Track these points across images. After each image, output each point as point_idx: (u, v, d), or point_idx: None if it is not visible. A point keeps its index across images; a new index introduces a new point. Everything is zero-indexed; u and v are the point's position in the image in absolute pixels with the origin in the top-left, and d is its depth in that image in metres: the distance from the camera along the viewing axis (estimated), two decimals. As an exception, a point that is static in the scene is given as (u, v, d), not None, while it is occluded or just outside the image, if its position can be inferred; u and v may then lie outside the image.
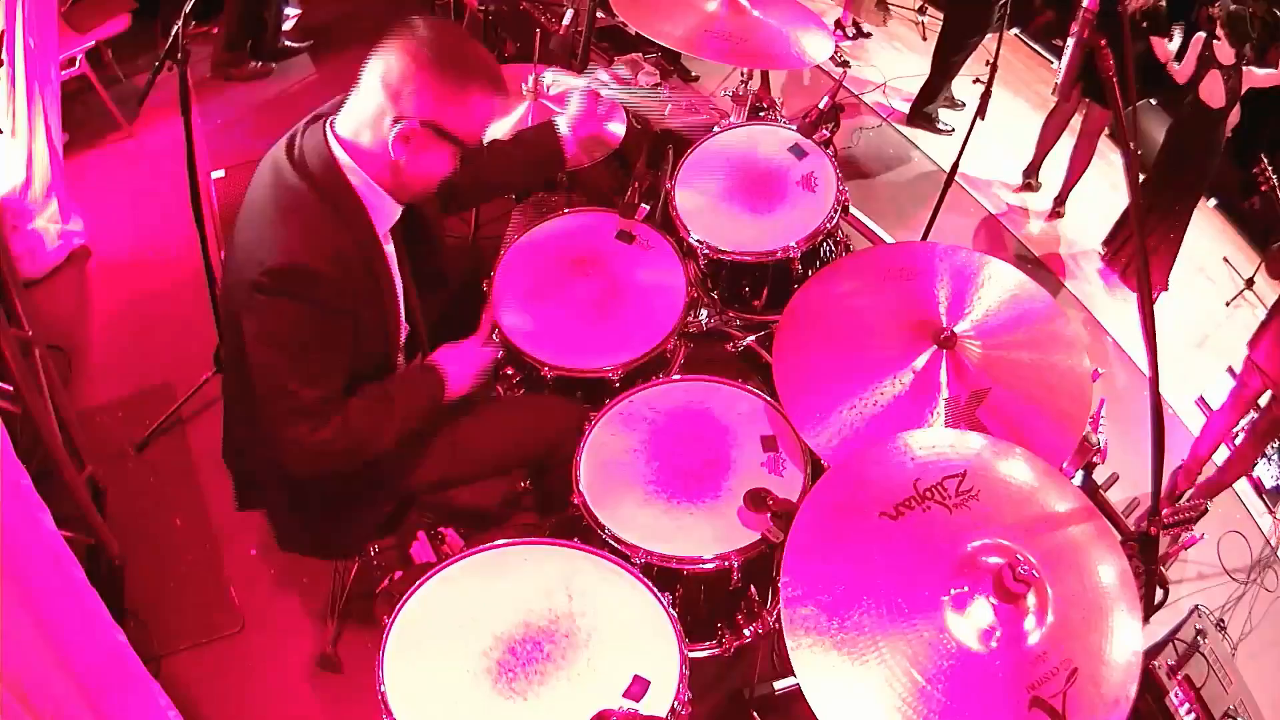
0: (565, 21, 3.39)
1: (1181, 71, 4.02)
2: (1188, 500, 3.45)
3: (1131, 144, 2.10)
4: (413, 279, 2.00)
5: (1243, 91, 3.92)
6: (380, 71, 1.64)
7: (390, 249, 1.85)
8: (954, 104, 5.33)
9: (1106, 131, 5.14)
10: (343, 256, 1.68)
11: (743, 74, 3.09)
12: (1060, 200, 4.84)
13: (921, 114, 5.25)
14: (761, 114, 3.15)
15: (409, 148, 1.66)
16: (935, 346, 1.96)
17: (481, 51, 1.69)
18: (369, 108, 1.66)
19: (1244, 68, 3.85)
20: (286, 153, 1.72)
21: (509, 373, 2.34)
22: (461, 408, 2.12)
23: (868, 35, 5.99)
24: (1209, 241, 4.89)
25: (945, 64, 5.14)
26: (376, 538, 2.19)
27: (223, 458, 2.15)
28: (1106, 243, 4.55)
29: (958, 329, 1.98)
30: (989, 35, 4.91)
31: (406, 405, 1.89)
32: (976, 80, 5.42)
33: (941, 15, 5.65)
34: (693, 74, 4.72)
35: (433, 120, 1.64)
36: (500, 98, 1.70)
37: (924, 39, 5.78)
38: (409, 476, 2.07)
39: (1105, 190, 4.92)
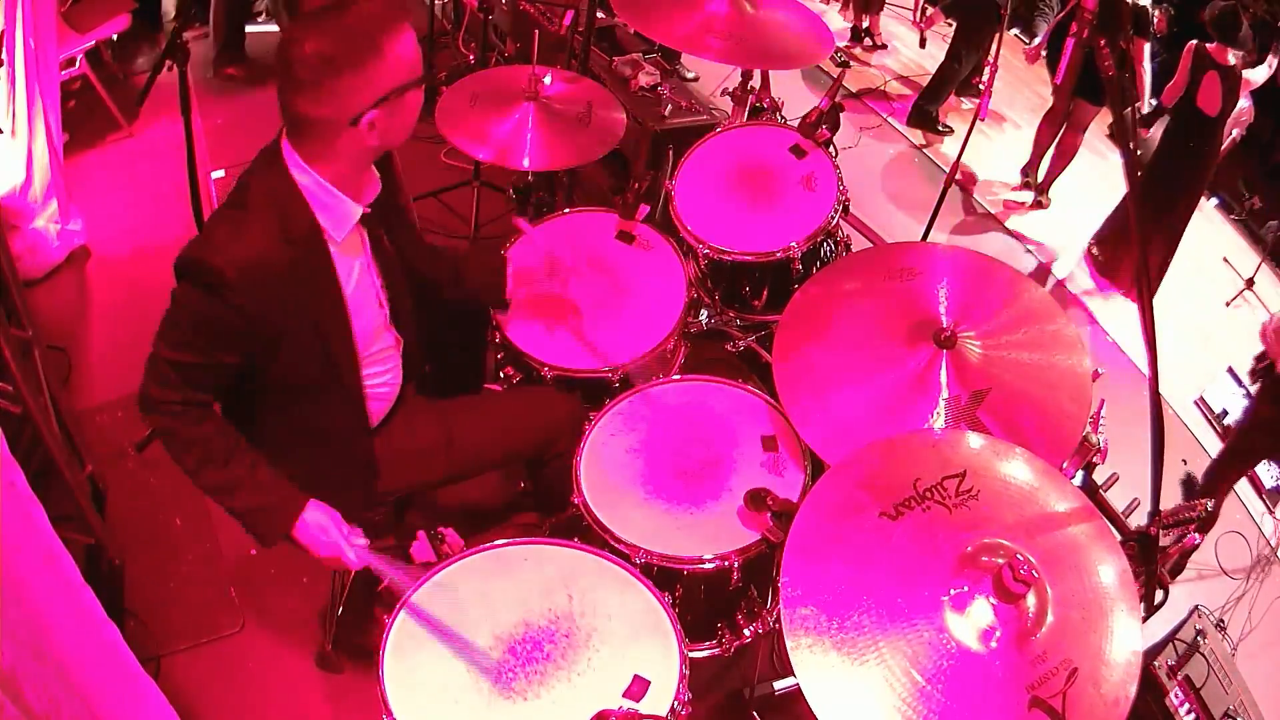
0: (565, 22, 3.39)
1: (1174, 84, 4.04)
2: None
3: (1131, 144, 2.10)
4: (404, 283, 1.99)
5: (1240, 95, 3.92)
6: (299, 109, 1.62)
7: (344, 254, 1.81)
8: (975, 91, 5.33)
9: (1106, 133, 5.15)
10: (256, 259, 1.65)
11: (743, 74, 3.09)
12: (1042, 189, 4.85)
13: (922, 114, 5.26)
14: (761, 114, 3.15)
15: (379, 126, 1.66)
16: (935, 346, 1.96)
17: (363, 11, 1.61)
18: (316, 135, 1.66)
19: (1242, 73, 3.86)
20: (255, 158, 1.75)
21: (509, 373, 2.34)
22: (458, 405, 2.12)
23: (883, 46, 6.02)
24: (1209, 241, 4.89)
25: (954, 64, 5.15)
26: (378, 536, 2.19)
27: None
28: (1098, 244, 4.54)
29: (958, 329, 1.98)
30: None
31: (235, 482, 1.79)
32: (976, 80, 5.43)
33: (942, 18, 5.67)
34: (692, 74, 4.72)
35: (378, 95, 1.63)
36: (404, 21, 1.66)
37: (922, 46, 5.81)
38: (408, 477, 2.06)
39: (1106, 191, 4.92)
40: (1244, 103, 4.02)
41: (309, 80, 1.58)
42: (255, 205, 1.69)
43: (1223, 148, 4.11)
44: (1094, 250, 4.54)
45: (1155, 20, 4.69)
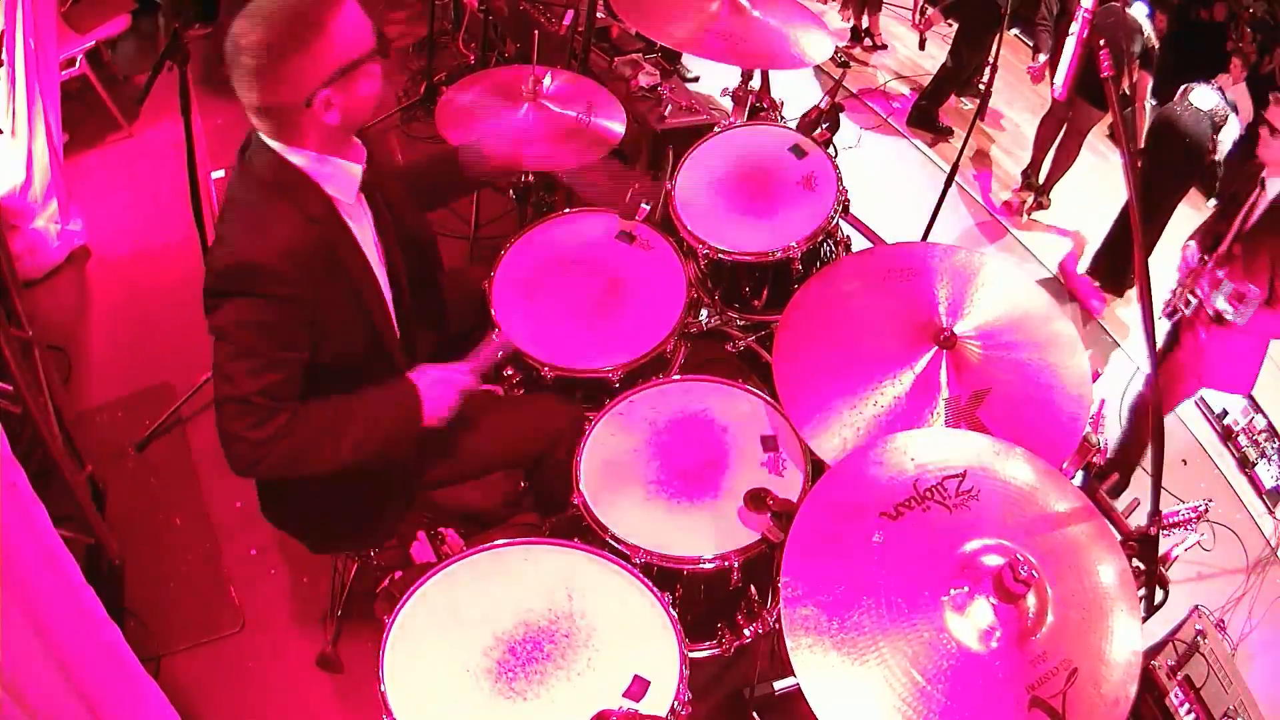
0: (565, 22, 3.39)
1: None
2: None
3: (1131, 145, 2.10)
4: (404, 267, 1.99)
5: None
6: (259, 97, 1.63)
7: (357, 225, 1.83)
8: (976, 91, 5.33)
9: (1107, 133, 5.15)
10: (291, 245, 1.67)
11: (743, 74, 3.09)
12: (1044, 191, 4.85)
13: (923, 114, 5.26)
14: (761, 114, 3.15)
15: (336, 105, 1.66)
16: (935, 346, 1.96)
17: None
18: (279, 122, 1.67)
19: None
20: (239, 159, 1.76)
21: (509, 373, 2.34)
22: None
23: (883, 46, 6.03)
24: (1209, 242, 4.88)
25: (955, 65, 5.15)
26: (380, 540, 2.19)
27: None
28: (1094, 264, 4.54)
29: (958, 329, 1.98)
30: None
31: (369, 419, 1.84)
32: (977, 80, 5.43)
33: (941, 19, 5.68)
34: (692, 74, 4.72)
35: (329, 74, 1.63)
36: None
37: (921, 48, 5.81)
38: (407, 474, 2.06)
39: (1106, 191, 4.93)
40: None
41: (257, 69, 1.60)
42: (265, 197, 1.70)
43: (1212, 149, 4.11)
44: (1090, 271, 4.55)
45: (1156, 20, 4.70)
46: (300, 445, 1.74)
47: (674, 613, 1.74)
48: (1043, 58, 4.72)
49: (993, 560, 1.50)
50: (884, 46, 6.04)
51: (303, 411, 1.76)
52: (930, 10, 5.62)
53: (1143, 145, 4.21)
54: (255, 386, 1.67)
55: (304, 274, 1.68)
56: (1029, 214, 4.84)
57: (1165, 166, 4.12)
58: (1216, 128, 4.01)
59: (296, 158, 1.71)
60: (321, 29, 1.61)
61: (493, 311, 2.33)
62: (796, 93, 5.02)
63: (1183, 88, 4.10)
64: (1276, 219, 2.82)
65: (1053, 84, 4.62)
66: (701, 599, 1.96)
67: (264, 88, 1.62)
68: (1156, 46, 4.27)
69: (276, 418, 1.70)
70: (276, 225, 1.67)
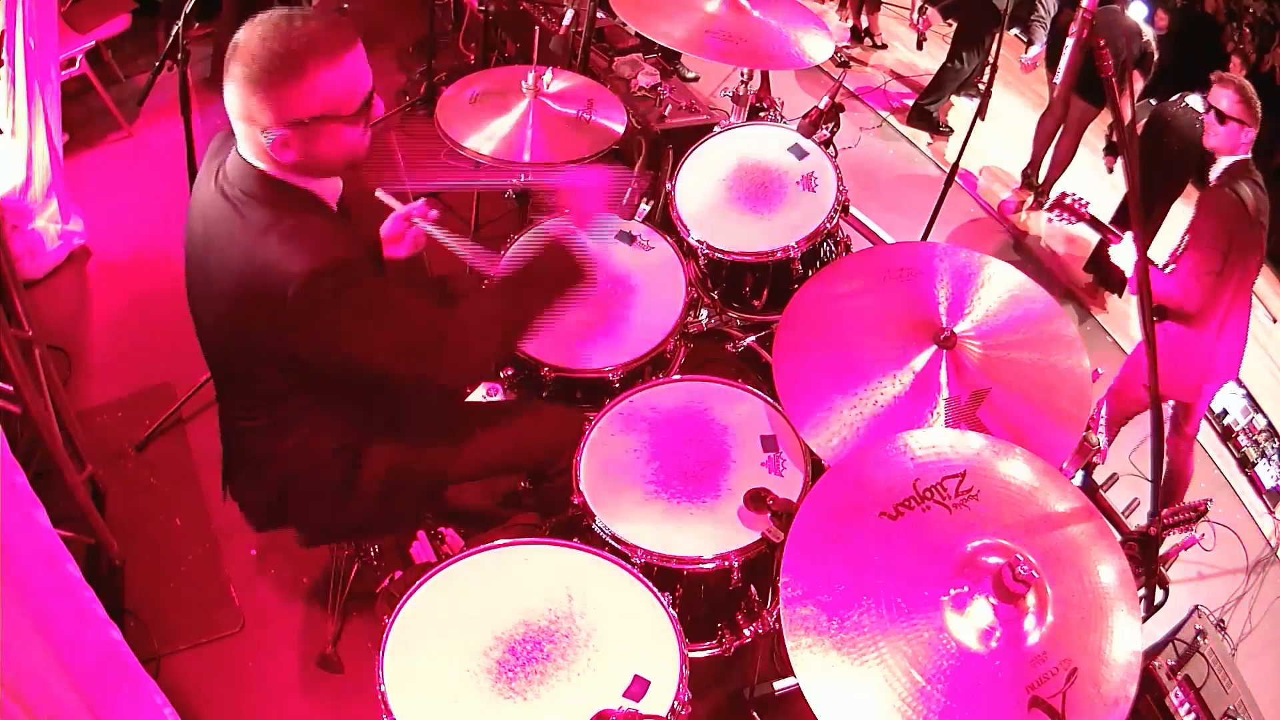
0: (565, 22, 3.39)
1: None
2: None
3: (1131, 145, 2.10)
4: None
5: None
6: (232, 105, 1.63)
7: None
8: (976, 90, 5.33)
9: (1107, 131, 5.15)
10: (334, 241, 1.68)
11: (743, 74, 3.09)
12: (1043, 191, 4.85)
13: (923, 114, 5.26)
14: (761, 114, 3.15)
15: (293, 148, 1.64)
16: (935, 346, 1.96)
17: (305, 30, 1.59)
18: (245, 136, 1.67)
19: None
20: (222, 194, 1.71)
21: (509, 373, 2.34)
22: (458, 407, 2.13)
23: (883, 46, 6.03)
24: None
25: (954, 65, 5.15)
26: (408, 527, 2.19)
27: (225, 488, 2.10)
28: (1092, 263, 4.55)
29: (958, 329, 1.98)
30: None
31: (518, 313, 1.87)
32: (977, 80, 5.43)
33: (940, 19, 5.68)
34: (692, 74, 4.73)
35: (289, 118, 1.61)
36: (345, 54, 1.62)
37: (919, 47, 5.82)
38: (413, 468, 2.06)
39: (1107, 190, 4.92)
40: None
41: (237, 78, 1.58)
42: (284, 216, 1.66)
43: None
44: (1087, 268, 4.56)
45: (1156, 19, 4.70)
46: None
47: (674, 613, 1.74)
48: (1035, 50, 4.71)
49: (993, 560, 1.50)
50: (884, 46, 6.04)
51: (453, 323, 1.76)
52: (929, 10, 5.62)
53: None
54: (423, 327, 1.71)
55: (357, 255, 1.70)
56: (1028, 213, 4.84)
57: (1156, 163, 4.12)
58: None
59: (289, 175, 1.69)
60: (301, 74, 1.58)
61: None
62: (796, 93, 5.04)
63: (1179, 94, 4.11)
64: (1203, 199, 2.86)
65: (1052, 82, 4.62)
66: (701, 599, 1.96)
67: (236, 101, 1.61)
68: (1156, 55, 4.27)
69: (446, 341, 1.72)
70: (314, 232, 1.65)
